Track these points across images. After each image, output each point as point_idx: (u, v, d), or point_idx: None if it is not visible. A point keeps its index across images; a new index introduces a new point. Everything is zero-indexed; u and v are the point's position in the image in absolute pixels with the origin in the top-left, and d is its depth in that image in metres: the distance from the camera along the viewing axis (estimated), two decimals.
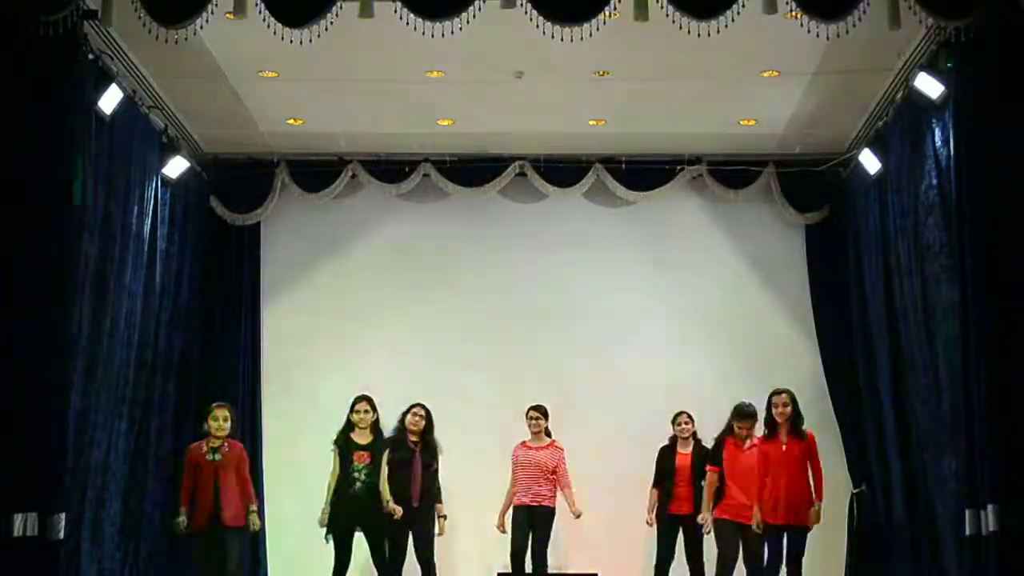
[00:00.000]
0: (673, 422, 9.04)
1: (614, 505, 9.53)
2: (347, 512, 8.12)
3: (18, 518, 6.23)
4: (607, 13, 6.37)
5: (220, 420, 7.91)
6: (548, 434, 9.03)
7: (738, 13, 6.32)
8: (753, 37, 7.25)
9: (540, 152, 10.00)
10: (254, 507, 8.02)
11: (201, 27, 6.70)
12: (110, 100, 7.67)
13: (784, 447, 7.85)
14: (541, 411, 9.00)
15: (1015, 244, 6.49)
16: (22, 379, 6.42)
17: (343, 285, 10.35)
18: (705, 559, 8.81)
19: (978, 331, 6.62)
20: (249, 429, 9.58)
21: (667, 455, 9.02)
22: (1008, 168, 6.54)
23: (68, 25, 6.59)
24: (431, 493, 8.61)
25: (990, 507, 6.35)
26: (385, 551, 8.30)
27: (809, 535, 7.87)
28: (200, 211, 9.96)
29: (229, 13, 6.58)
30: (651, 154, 9.96)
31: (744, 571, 8.31)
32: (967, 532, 6.62)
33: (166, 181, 9.11)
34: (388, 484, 8.21)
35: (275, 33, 6.54)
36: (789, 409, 7.87)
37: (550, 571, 8.89)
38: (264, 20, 6.48)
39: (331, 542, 8.23)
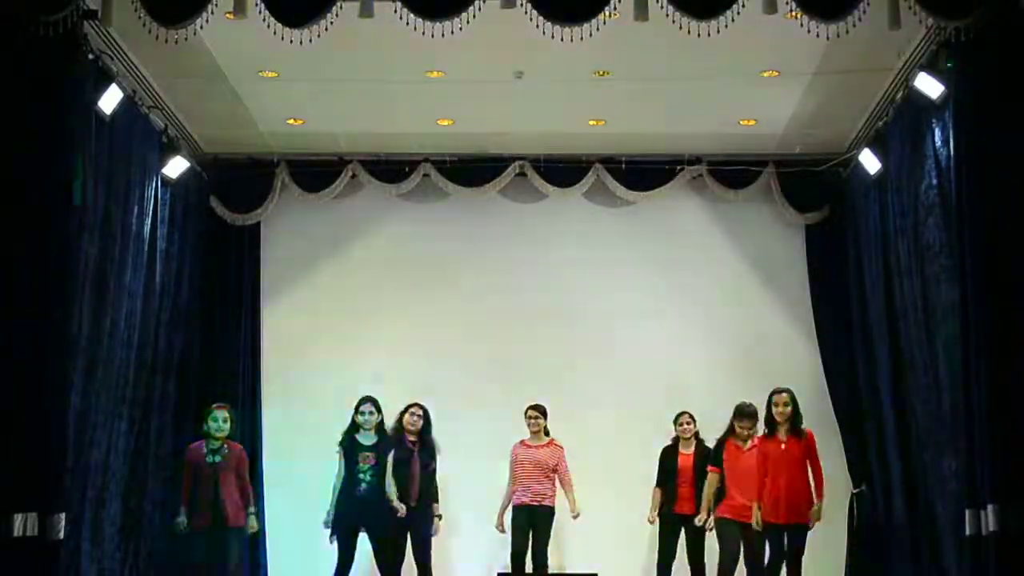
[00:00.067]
0: (675, 422, 9.05)
1: (614, 505, 9.52)
2: (352, 513, 8.12)
3: (18, 518, 6.23)
4: (607, 13, 6.37)
5: (220, 421, 7.92)
6: (547, 433, 9.04)
7: (738, 13, 6.33)
8: (753, 37, 7.25)
9: (540, 152, 10.00)
10: (252, 509, 8.04)
11: (201, 27, 6.70)
12: (110, 100, 7.67)
13: (783, 446, 7.85)
14: (540, 410, 9.01)
15: (1015, 244, 6.49)
16: (22, 379, 6.42)
17: (343, 285, 10.35)
18: (706, 559, 8.81)
19: (978, 331, 6.61)
20: (249, 429, 9.58)
21: (669, 455, 9.03)
22: (1008, 168, 6.54)
23: (68, 25, 6.59)
24: (429, 493, 8.61)
25: (990, 507, 6.35)
26: (388, 552, 8.29)
27: (809, 535, 7.86)
28: (200, 211, 9.96)
29: (229, 13, 6.59)
30: (651, 154, 9.96)
31: (744, 570, 8.32)
32: (967, 532, 6.62)
33: (166, 181, 9.11)
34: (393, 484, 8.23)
35: (275, 33, 6.54)
36: (789, 409, 7.87)
37: (550, 571, 8.89)
38: (264, 20, 6.48)
39: (335, 542, 8.23)
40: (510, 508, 8.93)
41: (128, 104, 8.08)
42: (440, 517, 8.75)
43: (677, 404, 9.16)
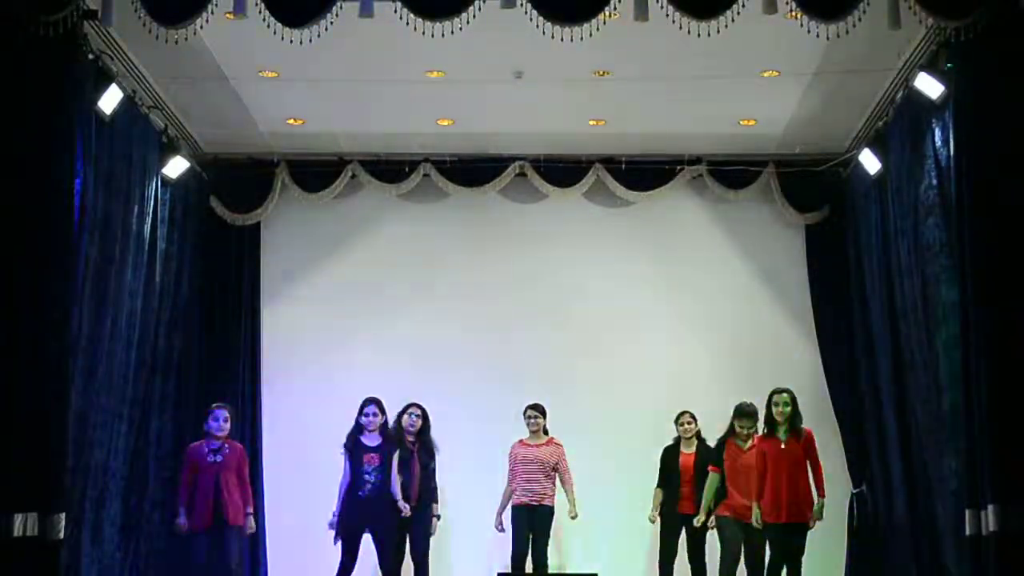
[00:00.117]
0: (676, 422, 9.04)
1: (614, 505, 9.53)
2: (357, 513, 8.10)
3: (18, 518, 6.22)
4: (607, 13, 6.37)
5: (221, 420, 7.93)
6: (545, 432, 9.03)
7: (738, 13, 6.33)
8: (753, 37, 7.25)
9: (540, 152, 10.00)
10: (250, 509, 8.04)
11: (201, 27, 6.70)
12: (110, 100, 7.67)
13: (783, 446, 7.85)
14: (539, 410, 9.01)
15: (1015, 244, 6.49)
16: (22, 379, 6.42)
17: (343, 285, 10.34)
18: (707, 560, 8.81)
19: (978, 331, 6.61)
20: (249, 429, 9.59)
21: (671, 455, 9.02)
22: (1008, 168, 6.54)
23: (68, 25, 6.58)
24: (428, 493, 8.62)
25: (990, 507, 6.35)
26: (392, 553, 8.27)
27: (809, 535, 7.87)
28: (200, 211, 9.96)
29: (229, 13, 6.58)
30: (651, 154, 9.96)
31: (745, 570, 8.33)
32: (967, 532, 6.62)
33: (166, 181, 9.10)
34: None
35: (275, 33, 6.54)
36: (789, 409, 7.87)
37: (550, 571, 8.90)
38: (264, 20, 6.48)
39: (338, 543, 8.22)
40: (509, 508, 8.93)
41: (128, 104, 8.07)
42: (439, 517, 8.75)
43: (677, 404, 9.16)
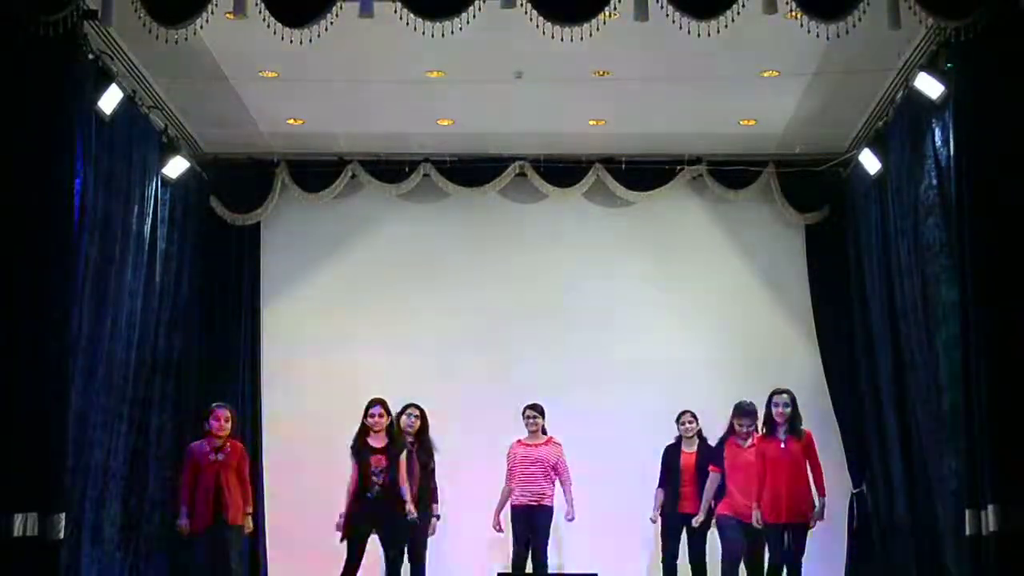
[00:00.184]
0: (677, 421, 9.03)
1: (614, 505, 9.53)
2: (365, 515, 8.07)
3: (18, 518, 6.22)
4: (607, 13, 6.37)
5: (222, 420, 7.91)
6: (544, 432, 9.03)
7: (738, 13, 6.32)
8: (753, 37, 7.25)
9: (540, 152, 10.00)
10: (249, 509, 8.02)
11: (201, 27, 6.69)
12: (110, 100, 7.67)
13: (783, 446, 7.85)
14: (538, 409, 9.00)
15: (1015, 244, 6.49)
16: (22, 379, 6.42)
17: (343, 285, 10.35)
18: (707, 559, 8.81)
19: (978, 331, 6.61)
20: (249, 429, 9.58)
21: (672, 454, 9.01)
22: (1008, 168, 6.54)
23: (68, 25, 6.58)
24: (427, 493, 8.60)
25: (990, 507, 6.35)
26: (397, 555, 8.23)
27: (809, 535, 7.86)
28: (200, 211, 9.96)
29: (229, 13, 6.58)
30: (651, 154, 9.96)
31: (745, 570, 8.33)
32: (967, 532, 6.62)
33: (166, 181, 9.11)
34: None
35: (275, 33, 6.53)
36: (789, 409, 7.87)
37: (550, 571, 8.89)
38: (264, 20, 6.47)
39: (344, 543, 8.20)
40: (508, 509, 8.92)
41: (128, 104, 8.08)
42: (439, 517, 8.74)
43: (677, 404, 9.15)
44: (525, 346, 10.10)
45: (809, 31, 6.50)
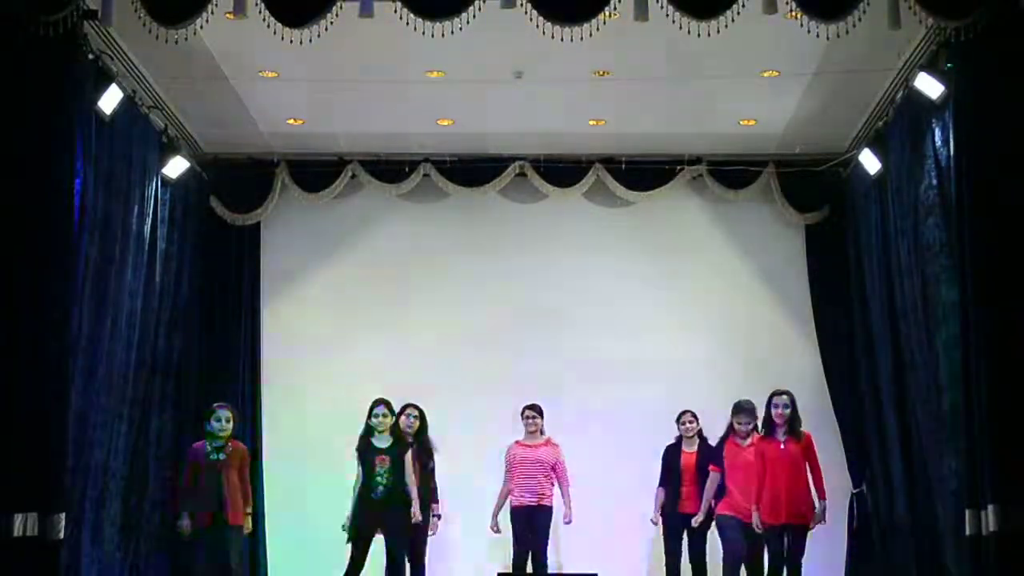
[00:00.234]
0: (678, 421, 9.02)
1: (614, 505, 9.53)
2: (370, 515, 8.05)
3: (18, 518, 6.23)
4: (607, 13, 6.37)
5: (223, 421, 7.90)
6: (542, 433, 9.02)
7: (738, 13, 6.33)
8: (753, 37, 7.25)
9: (540, 152, 10.00)
10: (249, 510, 8.00)
11: (201, 27, 6.70)
12: (110, 100, 7.67)
13: (782, 447, 7.84)
14: (537, 410, 8.99)
15: (1015, 244, 6.49)
16: (22, 379, 6.42)
17: (343, 285, 10.35)
18: (708, 559, 8.81)
19: (978, 331, 6.61)
20: (249, 429, 9.57)
21: (673, 454, 9.00)
22: (1008, 168, 6.55)
23: (68, 25, 6.58)
24: (427, 493, 8.60)
25: (990, 507, 6.35)
26: (400, 556, 8.21)
27: (809, 535, 7.86)
28: (200, 211, 9.96)
29: (229, 13, 6.58)
30: (651, 154, 9.96)
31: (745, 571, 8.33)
32: (967, 532, 6.62)
33: (166, 181, 9.11)
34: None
35: (275, 33, 6.54)
36: (788, 410, 7.86)
37: (550, 571, 8.89)
38: (264, 20, 6.48)
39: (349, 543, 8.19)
40: (507, 510, 8.91)
41: (128, 104, 8.08)
42: (439, 517, 8.75)
43: (676, 404, 9.14)
44: (525, 346, 10.09)
45: (809, 31, 6.51)
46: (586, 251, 10.32)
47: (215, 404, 8.06)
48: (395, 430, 8.27)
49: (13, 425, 6.34)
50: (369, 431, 8.19)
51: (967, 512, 6.61)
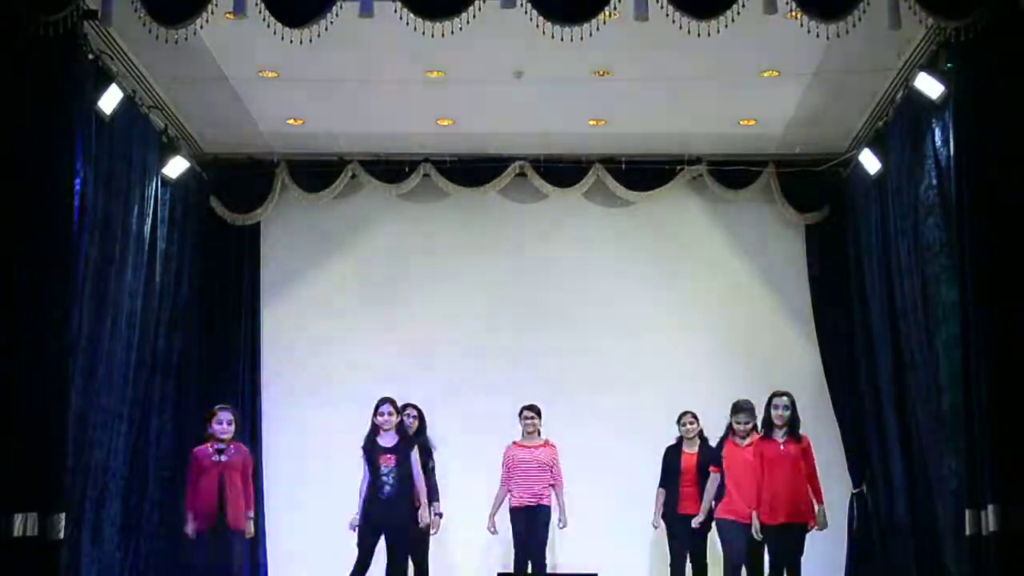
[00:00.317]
0: (678, 422, 9.02)
1: (614, 505, 9.53)
2: (377, 514, 8.04)
3: (18, 518, 6.22)
4: (607, 13, 6.37)
5: (225, 423, 7.86)
6: (540, 433, 9.01)
7: (738, 13, 6.33)
8: (753, 37, 7.25)
9: (540, 152, 10.00)
10: (251, 513, 7.98)
11: (201, 27, 6.70)
12: (110, 100, 7.67)
13: (782, 447, 7.84)
14: (535, 410, 8.99)
15: (1015, 244, 6.49)
16: (22, 379, 6.42)
17: (343, 285, 10.35)
18: (708, 560, 8.81)
19: (978, 331, 6.62)
20: (249, 430, 9.57)
21: (673, 455, 9.00)
22: (1008, 168, 6.55)
23: (68, 25, 6.58)
24: (428, 492, 8.59)
25: (990, 507, 6.35)
26: (403, 556, 8.19)
27: (809, 535, 7.86)
28: (200, 211, 9.96)
29: (229, 13, 6.58)
30: (651, 154, 9.96)
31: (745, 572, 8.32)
32: (967, 532, 6.63)
33: (166, 181, 9.11)
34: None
35: (275, 33, 6.54)
36: (788, 412, 7.86)
37: (550, 571, 8.89)
38: (264, 20, 6.48)
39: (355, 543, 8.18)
40: (506, 511, 8.91)
41: (128, 104, 8.08)
42: (440, 515, 8.75)
43: (677, 404, 9.14)
44: (525, 346, 10.09)
45: (809, 31, 6.50)
46: (586, 251, 10.32)
47: (216, 406, 8.02)
48: (401, 429, 8.26)
49: (13, 425, 6.34)
50: (375, 430, 8.16)
51: (967, 512, 6.62)
